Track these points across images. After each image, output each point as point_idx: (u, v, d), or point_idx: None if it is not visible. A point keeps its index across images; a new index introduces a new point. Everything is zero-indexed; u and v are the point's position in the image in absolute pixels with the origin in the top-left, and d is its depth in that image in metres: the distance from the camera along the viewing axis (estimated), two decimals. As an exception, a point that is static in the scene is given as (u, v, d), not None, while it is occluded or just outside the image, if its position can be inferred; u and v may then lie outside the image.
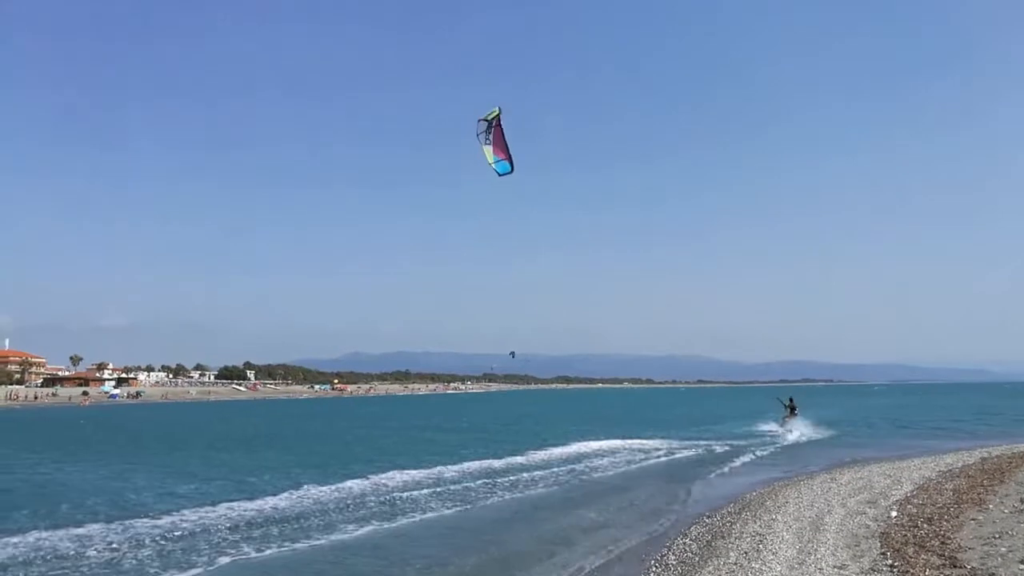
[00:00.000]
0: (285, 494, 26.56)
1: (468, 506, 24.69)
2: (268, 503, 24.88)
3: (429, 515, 23.06)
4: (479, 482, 29.73)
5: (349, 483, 29.21)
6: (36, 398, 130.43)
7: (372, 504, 24.76)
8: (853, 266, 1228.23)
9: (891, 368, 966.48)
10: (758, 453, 42.47)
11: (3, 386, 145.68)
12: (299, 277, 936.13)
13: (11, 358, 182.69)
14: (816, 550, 16.31)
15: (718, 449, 43.73)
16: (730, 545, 17.41)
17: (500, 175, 17.87)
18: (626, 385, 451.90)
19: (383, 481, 29.86)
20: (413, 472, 32.33)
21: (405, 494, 26.59)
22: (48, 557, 17.55)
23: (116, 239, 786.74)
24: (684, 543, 18.20)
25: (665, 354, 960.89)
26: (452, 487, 28.48)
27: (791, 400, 60.30)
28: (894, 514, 19.92)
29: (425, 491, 27.25)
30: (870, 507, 21.35)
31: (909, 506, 21.12)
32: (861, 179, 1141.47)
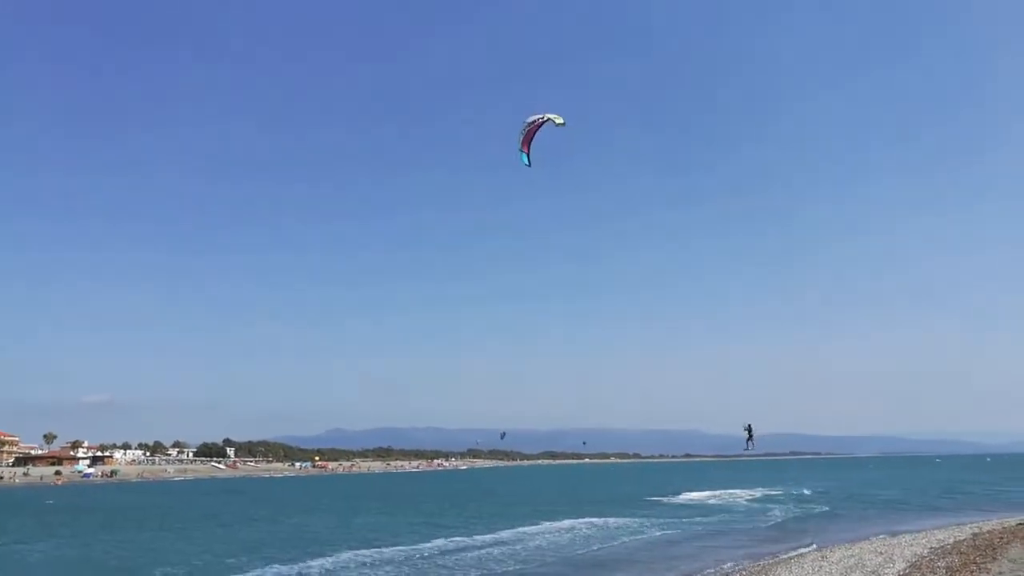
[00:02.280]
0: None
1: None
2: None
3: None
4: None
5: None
6: (3, 478, 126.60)
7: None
8: (840, 340, 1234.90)
9: (878, 440, 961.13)
10: (747, 527, 42.08)
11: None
12: (281, 354, 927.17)
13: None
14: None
15: (699, 527, 43.43)
16: (722, 629, 16.97)
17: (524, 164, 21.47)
18: (613, 460, 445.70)
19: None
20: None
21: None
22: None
23: (91, 313, 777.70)
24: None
25: (655, 428, 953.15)
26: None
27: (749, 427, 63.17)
28: (888, 594, 19.53)
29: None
30: (863, 586, 20.95)
31: (902, 585, 20.75)
32: (849, 261, 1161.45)
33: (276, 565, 29.07)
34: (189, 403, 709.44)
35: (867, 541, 32.62)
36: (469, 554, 32.43)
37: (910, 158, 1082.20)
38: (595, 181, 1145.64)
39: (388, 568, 28.37)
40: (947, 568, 22.92)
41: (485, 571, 27.98)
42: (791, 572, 24.39)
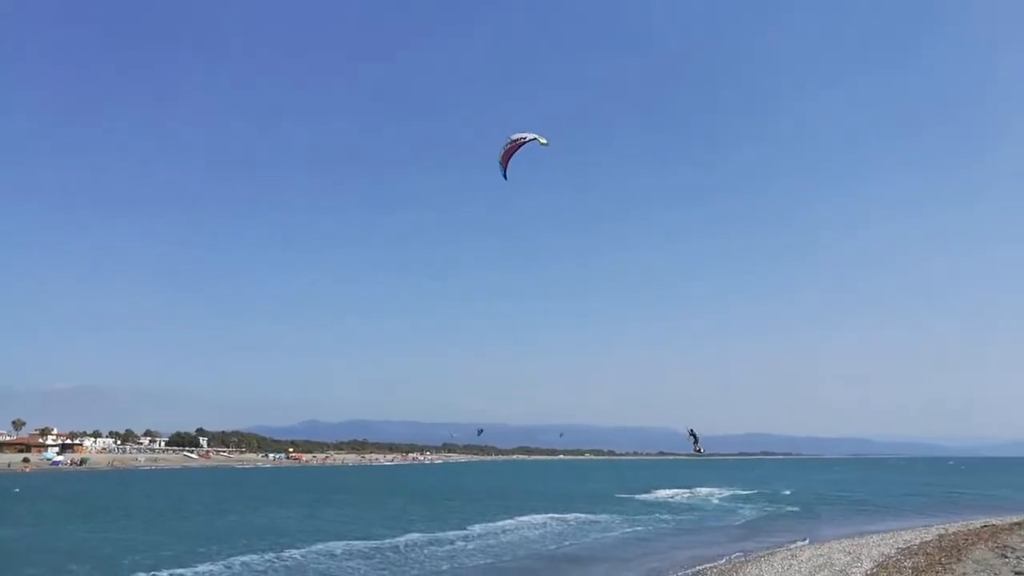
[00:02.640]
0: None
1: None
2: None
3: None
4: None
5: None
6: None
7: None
8: (811, 342, 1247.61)
9: (848, 442, 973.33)
10: (717, 525, 42.61)
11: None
12: (256, 344, 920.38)
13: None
14: (778, 631, 16.11)
15: (669, 524, 43.94)
16: (692, 625, 17.13)
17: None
18: (587, 457, 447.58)
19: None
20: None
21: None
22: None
23: (62, 299, 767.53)
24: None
25: (631, 426, 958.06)
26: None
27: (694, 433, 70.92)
28: (855, 593, 19.82)
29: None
30: (831, 585, 21.24)
31: (869, 585, 21.06)
32: (832, 263, 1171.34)
33: (246, 555, 28.96)
34: (161, 392, 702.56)
35: (835, 541, 33.06)
36: (440, 548, 32.50)
37: (912, 156, 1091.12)
38: (593, 179, 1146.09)
39: (359, 561, 28.40)
40: (913, 568, 23.30)
41: (456, 565, 28.07)
42: (760, 570, 24.67)
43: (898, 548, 28.86)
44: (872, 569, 23.77)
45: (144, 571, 25.45)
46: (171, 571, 25.52)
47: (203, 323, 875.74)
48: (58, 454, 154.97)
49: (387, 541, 34.48)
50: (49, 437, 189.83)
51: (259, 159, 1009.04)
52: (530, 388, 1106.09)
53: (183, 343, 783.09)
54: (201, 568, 26.31)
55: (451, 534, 37.95)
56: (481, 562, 29.16)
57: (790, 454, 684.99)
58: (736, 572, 24.56)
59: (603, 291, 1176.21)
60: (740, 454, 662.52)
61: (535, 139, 22.29)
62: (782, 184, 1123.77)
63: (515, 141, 22.44)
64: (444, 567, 27.67)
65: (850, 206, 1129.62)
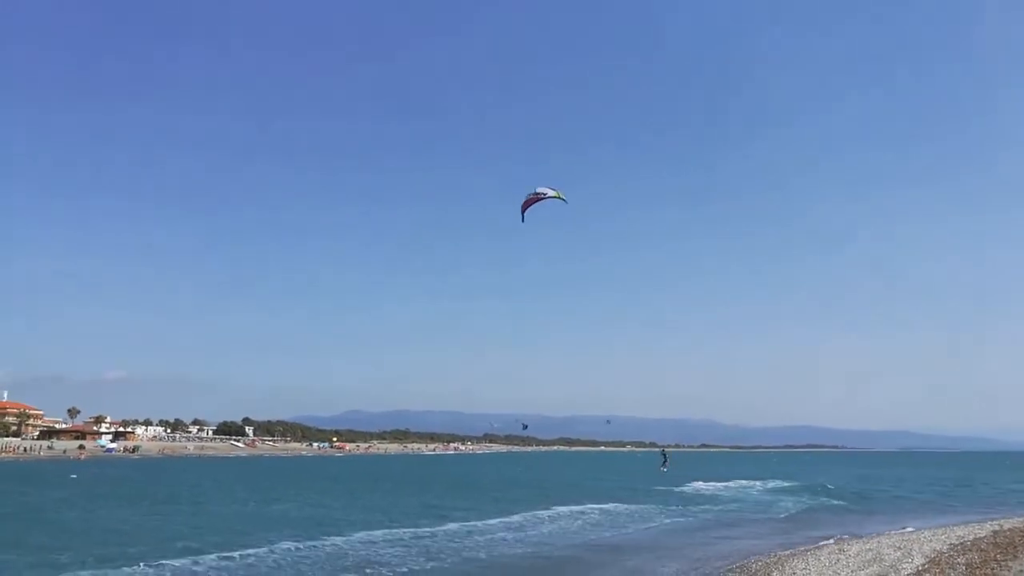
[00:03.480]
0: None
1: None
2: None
3: None
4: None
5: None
6: (29, 450, 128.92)
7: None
8: (860, 333, 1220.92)
9: (899, 435, 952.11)
10: (759, 518, 42.14)
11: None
12: (300, 333, 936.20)
13: (8, 410, 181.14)
14: (826, 626, 15.74)
15: (710, 516, 43.61)
16: (736, 619, 16.83)
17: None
18: (629, 449, 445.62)
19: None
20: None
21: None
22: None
23: (115, 290, 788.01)
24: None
25: (673, 417, 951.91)
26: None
27: (664, 453, 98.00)
28: (906, 589, 19.29)
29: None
30: (880, 581, 20.71)
31: (921, 580, 20.49)
32: (868, 254, 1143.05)
33: (289, 542, 29.42)
34: (207, 382, 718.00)
35: (884, 535, 32.29)
36: (480, 537, 32.62)
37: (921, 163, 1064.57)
38: (618, 175, 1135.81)
39: (399, 549, 28.64)
40: (967, 564, 22.60)
41: (494, 554, 28.09)
42: (807, 564, 24.17)
43: (950, 544, 28.04)
44: (923, 565, 23.13)
45: (192, 554, 25.99)
46: (218, 554, 26.05)
47: (247, 314, 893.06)
48: (111, 441, 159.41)
49: (426, 529, 34.75)
50: (103, 425, 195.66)
51: (296, 150, 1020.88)
52: (572, 379, 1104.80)
53: (228, 334, 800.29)
54: (246, 552, 26.80)
55: (490, 523, 38.15)
56: (519, 551, 29.21)
57: (837, 447, 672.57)
58: (782, 565, 24.10)
59: (645, 283, 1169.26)
60: (786, 447, 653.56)
61: (557, 196, 25.76)
62: (848, 169, 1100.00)
63: (538, 195, 25.82)
64: (482, 555, 27.76)
65: (887, 202, 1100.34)
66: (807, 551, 27.61)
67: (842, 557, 25.37)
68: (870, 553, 26.18)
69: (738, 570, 23.66)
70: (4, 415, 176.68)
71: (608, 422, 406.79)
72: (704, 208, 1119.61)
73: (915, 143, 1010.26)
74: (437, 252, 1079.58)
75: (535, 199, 26.01)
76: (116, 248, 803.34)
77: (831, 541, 30.86)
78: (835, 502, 55.38)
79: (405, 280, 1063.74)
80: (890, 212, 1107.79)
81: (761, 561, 25.26)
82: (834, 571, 22.52)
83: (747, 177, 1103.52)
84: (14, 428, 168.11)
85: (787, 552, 27.55)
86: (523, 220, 26.47)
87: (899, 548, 27.27)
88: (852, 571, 22.44)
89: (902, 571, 22.25)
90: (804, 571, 22.80)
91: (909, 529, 35.26)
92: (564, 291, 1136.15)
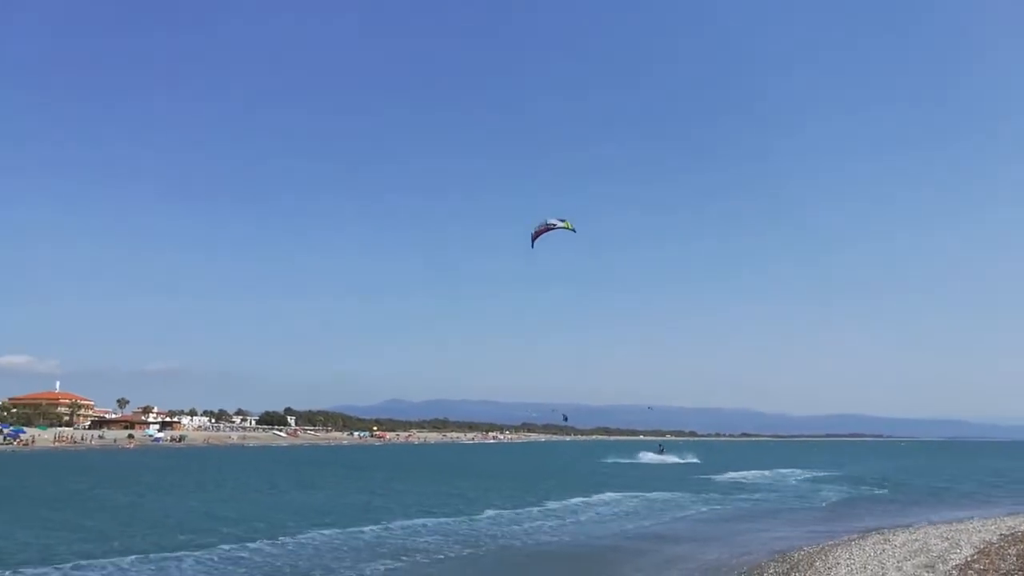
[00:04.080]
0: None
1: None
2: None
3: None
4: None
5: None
6: (81, 439, 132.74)
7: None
8: (904, 318, 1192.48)
9: (946, 424, 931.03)
10: (799, 507, 41.72)
11: (52, 428, 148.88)
12: (341, 324, 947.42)
13: (61, 400, 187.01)
14: (871, 616, 15.51)
15: (747, 505, 43.30)
16: (779, 608, 16.66)
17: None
18: (668, 438, 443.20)
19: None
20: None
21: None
22: None
23: (159, 285, 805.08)
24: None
25: (713, 407, 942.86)
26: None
27: (661, 446, 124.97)
28: (954, 579, 18.92)
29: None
30: (927, 571, 20.33)
31: (970, 572, 20.07)
32: (913, 241, 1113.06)
33: (329, 529, 29.92)
34: (249, 373, 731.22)
35: (931, 525, 31.67)
36: (518, 526, 32.72)
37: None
38: (670, 168, 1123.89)
39: (437, 536, 28.79)
40: (1018, 555, 22.06)
41: (531, 542, 28.18)
42: (851, 554, 23.80)
43: (1000, 535, 27.38)
44: (972, 556, 22.63)
45: (238, 540, 26.54)
46: (263, 541, 26.58)
47: (288, 306, 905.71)
48: (158, 431, 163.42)
49: (464, 517, 34.99)
50: (150, 415, 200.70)
51: (333, 138, 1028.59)
52: (610, 369, 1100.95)
53: (270, 326, 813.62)
54: (288, 539, 27.28)
55: (528, 511, 38.31)
56: (556, 539, 29.26)
57: (882, 436, 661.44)
58: (825, 555, 23.77)
59: (687, 274, 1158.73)
60: (828, 435, 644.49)
61: (566, 226, 28.25)
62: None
63: (548, 225, 28.36)
64: (518, 543, 27.82)
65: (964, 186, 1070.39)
66: (851, 541, 27.18)
67: (887, 547, 24.94)
68: (916, 543, 25.70)
69: (780, 559, 23.39)
70: (57, 405, 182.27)
71: (650, 408, 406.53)
72: (747, 201, 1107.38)
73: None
74: (473, 241, 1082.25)
75: (545, 229, 28.62)
76: (159, 240, 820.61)
77: (875, 531, 30.36)
78: (877, 492, 54.46)
79: (445, 270, 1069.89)
80: (922, 209, 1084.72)
81: (804, 551, 24.95)
82: (879, 561, 22.15)
83: (793, 167, 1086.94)
84: (67, 418, 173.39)
85: (831, 542, 27.17)
86: (532, 247, 29.17)
87: (946, 538, 26.73)
88: (898, 562, 22.05)
89: (950, 561, 21.80)
90: (848, 561, 22.46)
91: (957, 519, 34.54)
92: (604, 280, 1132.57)
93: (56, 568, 21.65)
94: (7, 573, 20.67)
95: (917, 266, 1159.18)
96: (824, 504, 44.80)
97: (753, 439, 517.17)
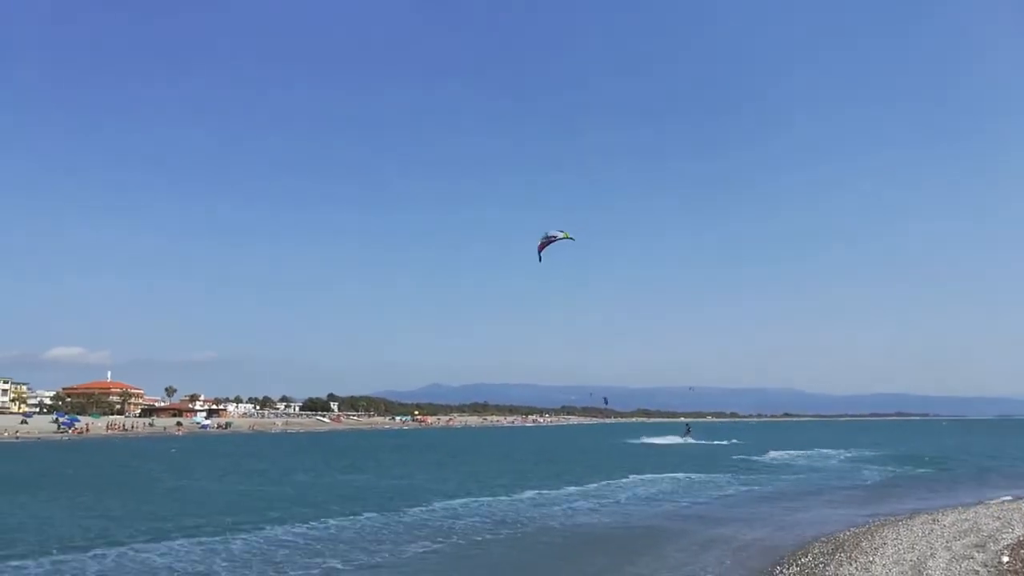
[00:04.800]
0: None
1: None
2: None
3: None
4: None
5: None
6: (133, 427, 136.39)
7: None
8: (953, 292, 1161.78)
9: (996, 402, 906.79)
10: (841, 486, 41.23)
11: (105, 416, 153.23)
12: (381, 310, 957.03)
13: (112, 389, 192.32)
14: (920, 596, 15.27)
15: (787, 485, 42.93)
16: (824, 588, 16.49)
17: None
18: (709, 419, 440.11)
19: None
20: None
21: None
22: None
23: (201, 276, 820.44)
24: (774, 585, 17.35)
25: (754, 387, 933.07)
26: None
27: (688, 427, 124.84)
28: (1006, 559, 18.54)
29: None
30: (978, 551, 19.93)
31: (1023, 551, 19.63)
32: (961, 207, 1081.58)
33: (370, 512, 30.48)
34: (291, 360, 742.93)
35: (981, 505, 31.02)
36: (557, 507, 32.97)
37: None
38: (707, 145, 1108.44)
39: (476, 518, 29.12)
40: (1073, 535, 21.53)
41: (569, 523, 28.28)
42: (899, 534, 23.44)
43: (1055, 513, 26.74)
44: (1024, 535, 22.15)
45: (281, 524, 27.10)
46: (308, 524, 27.10)
47: (329, 294, 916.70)
48: (205, 418, 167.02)
49: (504, 498, 35.42)
50: (197, 403, 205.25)
51: (365, 123, 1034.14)
52: (651, 351, 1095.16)
53: (311, 313, 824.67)
54: (331, 522, 27.82)
55: (567, 491, 38.75)
56: (595, 520, 29.39)
57: (927, 415, 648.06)
58: (872, 535, 23.44)
59: (725, 255, 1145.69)
60: (872, 415, 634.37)
61: (565, 236, 30.71)
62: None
63: (550, 238, 30.73)
64: (556, 524, 27.93)
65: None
66: (898, 520, 26.75)
67: (936, 527, 24.50)
68: (966, 523, 25.21)
69: (825, 540, 23.13)
70: (109, 395, 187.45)
71: (691, 389, 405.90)
72: (788, 180, 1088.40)
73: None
74: (515, 225, 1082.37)
75: (548, 241, 30.92)
76: (201, 231, 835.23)
77: (923, 511, 29.83)
78: (921, 471, 53.46)
79: (485, 255, 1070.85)
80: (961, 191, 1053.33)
81: (850, 531, 24.64)
82: (928, 542, 21.78)
83: (832, 146, 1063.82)
84: (118, 407, 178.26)
85: (877, 521, 26.79)
86: (540, 260, 31.39)
87: (998, 518, 26.16)
88: (947, 541, 21.66)
89: (1001, 541, 21.35)
90: (895, 541, 22.12)
91: (1007, 499, 33.78)
92: (644, 262, 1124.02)
93: (115, 548, 22.42)
94: (70, 554, 21.40)
95: (962, 244, 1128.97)
96: (867, 484, 44.20)
97: (795, 419, 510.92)
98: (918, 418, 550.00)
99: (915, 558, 19.28)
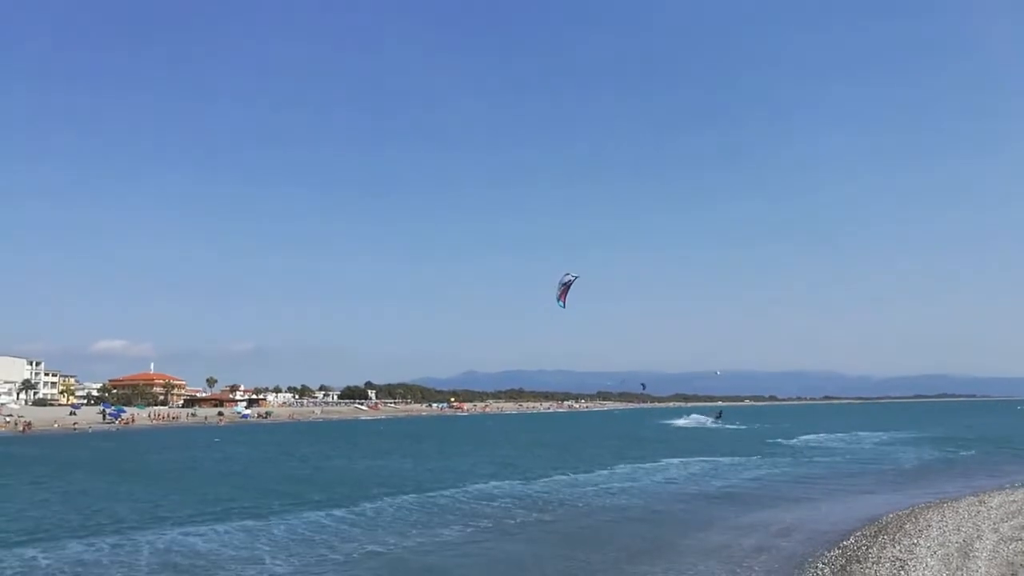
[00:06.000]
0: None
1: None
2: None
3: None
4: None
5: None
6: (176, 417, 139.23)
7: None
8: (999, 271, 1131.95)
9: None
10: (878, 470, 40.61)
11: (149, 407, 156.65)
12: (416, 299, 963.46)
13: (156, 381, 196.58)
14: (966, 578, 14.96)
15: (822, 468, 42.50)
16: (867, 570, 16.24)
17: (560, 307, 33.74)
18: (747, 403, 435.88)
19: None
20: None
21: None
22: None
23: (238, 268, 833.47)
24: (818, 567, 17.12)
25: (794, 369, 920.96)
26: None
27: (720, 412, 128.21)
28: (1056, 541, 18.05)
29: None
30: (1027, 533, 19.46)
31: (1074, 532, 19.11)
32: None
33: (406, 495, 31.09)
34: (327, 350, 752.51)
35: (1031, 487, 30.27)
36: (589, 487, 33.31)
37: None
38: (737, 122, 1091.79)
39: (508, 500, 29.62)
40: None
41: (599, 505, 28.48)
42: (944, 516, 22.99)
43: (1108, 494, 26.00)
44: (1076, 516, 21.55)
45: (321, 508, 27.53)
46: (346, 507, 27.59)
47: (360, 281, 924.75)
48: (246, 408, 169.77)
49: (537, 482, 35.79)
50: (237, 393, 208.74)
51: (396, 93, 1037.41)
52: (688, 335, 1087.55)
53: (349, 302, 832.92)
54: (368, 505, 28.36)
55: (598, 474, 39.05)
56: (625, 501, 29.61)
57: (974, 396, 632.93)
58: (916, 517, 23.02)
59: (761, 232, 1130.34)
60: (916, 396, 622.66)
61: (576, 277, 33.39)
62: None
63: (567, 282, 33.26)
64: (587, 507, 28.13)
65: None
66: (943, 503, 26.24)
67: (983, 509, 23.99)
68: (1014, 505, 24.63)
69: (868, 522, 22.78)
70: (152, 386, 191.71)
71: (718, 374, 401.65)
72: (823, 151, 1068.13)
73: None
74: (549, 209, 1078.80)
75: (567, 287, 33.31)
76: (237, 217, 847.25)
77: (968, 493, 29.20)
78: (964, 453, 52.23)
79: (520, 239, 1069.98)
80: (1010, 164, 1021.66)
81: (893, 514, 24.22)
82: (974, 523, 21.32)
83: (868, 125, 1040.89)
84: (161, 397, 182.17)
85: (921, 504, 26.30)
86: (563, 306, 33.68)
87: (1047, 499, 25.53)
88: (994, 523, 21.18)
89: (1052, 523, 20.83)
90: (940, 523, 21.71)
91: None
92: (680, 245, 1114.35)
93: (165, 532, 23.10)
94: (125, 535, 21.98)
95: (1009, 223, 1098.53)
96: (905, 467, 43.33)
97: (835, 402, 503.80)
98: (965, 399, 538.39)
99: (961, 540, 18.89)
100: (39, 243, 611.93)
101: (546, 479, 36.93)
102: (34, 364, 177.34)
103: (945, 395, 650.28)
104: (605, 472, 40.26)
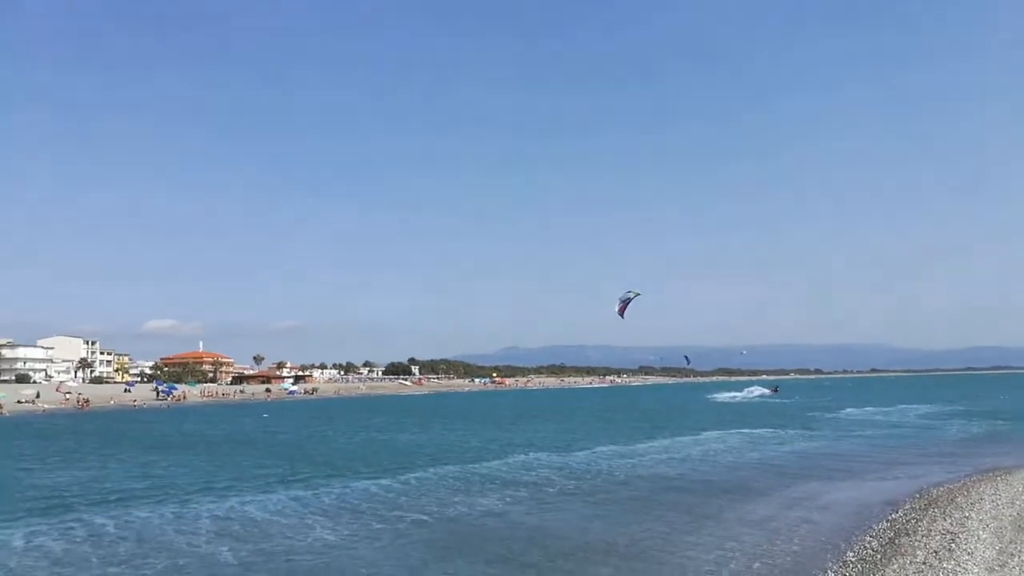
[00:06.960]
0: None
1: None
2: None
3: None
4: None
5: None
6: (225, 394, 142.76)
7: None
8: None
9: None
10: (923, 443, 39.97)
11: (199, 384, 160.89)
12: (457, 275, 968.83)
13: (205, 359, 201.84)
14: (1020, 552, 14.69)
15: (862, 441, 42.05)
16: (917, 543, 16.01)
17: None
18: (792, 376, 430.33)
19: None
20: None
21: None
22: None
23: (285, 248, 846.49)
24: (865, 540, 16.95)
25: (840, 343, 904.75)
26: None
27: (776, 387, 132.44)
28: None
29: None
30: (1085, 506, 18.99)
31: None
32: None
33: (451, 465, 31.89)
34: (371, 327, 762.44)
35: (1090, 459, 29.44)
36: (628, 460, 33.57)
37: None
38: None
39: (547, 470, 30.13)
40: None
41: (637, 475, 28.74)
42: (997, 490, 22.49)
43: None
44: None
45: (368, 478, 28.09)
46: (393, 478, 28.16)
47: (408, 258, 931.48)
48: (292, 384, 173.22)
49: (577, 453, 36.30)
50: (284, 370, 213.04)
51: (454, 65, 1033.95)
52: (731, 308, 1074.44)
53: (391, 279, 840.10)
54: (413, 475, 29.18)
55: (637, 447, 39.34)
56: (667, 471, 29.84)
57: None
58: (968, 491, 22.58)
59: (809, 198, 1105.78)
60: (967, 369, 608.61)
61: (636, 294, 37.32)
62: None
63: (627, 299, 37.24)
64: (626, 477, 28.31)
65: None
66: (996, 476, 25.66)
67: (1038, 482, 23.44)
68: (1072, 478, 24.02)
69: (917, 495, 22.44)
70: (202, 364, 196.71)
71: (743, 353, 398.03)
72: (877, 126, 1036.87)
73: None
74: (592, 193, 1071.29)
75: (626, 303, 36.96)
76: (279, 199, 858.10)
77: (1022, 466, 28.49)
78: (1017, 426, 50.78)
79: (564, 217, 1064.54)
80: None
81: (943, 487, 23.80)
82: (1029, 496, 20.86)
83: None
84: (211, 375, 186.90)
85: (973, 477, 25.78)
86: (623, 318, 37.75)
87: (1107, 472, 24.83)
88: (1050, 496, 20.69)
89: (1111, 496, 20.28)
90: (993, 496, 21.27)
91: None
92: (718, 221, 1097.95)
93: (222, 501, 24.00)
94: (187, 506, 22.79)
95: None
96: (955, 440, 42.27)
97: (882, 375, 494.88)
98: (1020, 371, 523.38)
99: (1015, 513, 18.51)
100: (95, 230, 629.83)
101: (587, 450, 37.45)
102: (90, 343, 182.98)
103: (999, 367, 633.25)
104: (644, 444, 40.56)
